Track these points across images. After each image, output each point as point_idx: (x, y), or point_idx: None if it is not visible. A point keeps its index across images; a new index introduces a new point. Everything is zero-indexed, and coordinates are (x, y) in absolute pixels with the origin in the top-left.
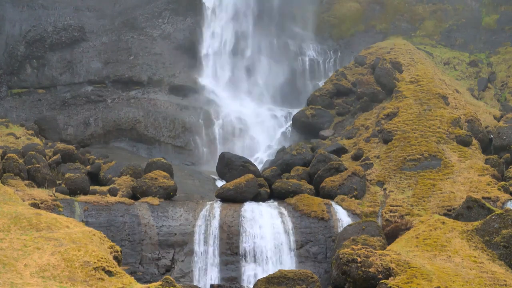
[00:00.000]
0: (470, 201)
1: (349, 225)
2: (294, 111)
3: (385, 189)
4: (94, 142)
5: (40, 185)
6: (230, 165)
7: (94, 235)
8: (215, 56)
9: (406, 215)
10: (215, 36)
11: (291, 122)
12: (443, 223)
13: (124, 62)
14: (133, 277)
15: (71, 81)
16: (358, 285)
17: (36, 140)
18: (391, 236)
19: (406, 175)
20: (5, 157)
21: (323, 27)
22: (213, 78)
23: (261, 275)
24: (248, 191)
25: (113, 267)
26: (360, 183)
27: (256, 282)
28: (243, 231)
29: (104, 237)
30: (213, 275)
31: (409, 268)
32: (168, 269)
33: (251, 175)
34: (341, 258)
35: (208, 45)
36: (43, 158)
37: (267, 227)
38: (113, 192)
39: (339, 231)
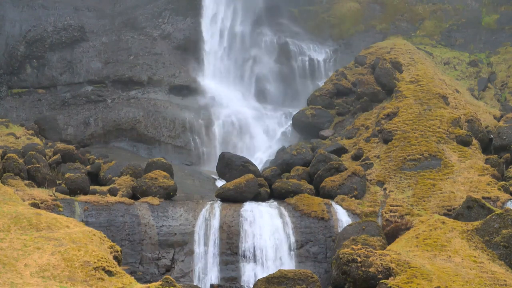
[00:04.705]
0: (470, 201)
1: (349, 225)
2: (294, 111)
3: (385, 189)
4: (94, 142)
5: (40, 185)
6: (230, 165)
7: (94, 235)
8: (215, 56)
9: (406, 215)
10: (215, 36)
11: (291, 122)
12: (443, 223)
13: (124, 62)
14: (133, 277)
15: (71, 81)
16: (358, 285)
17: (36, 140)
18: (391, 236)
19: (406, 175)
20: (5, 157)
21: (323, 27)
22: (213, 78)
23: (261, 275)
24: (248, 191)
25: (113, 267)
26: (360, 183)
27: (256, 282)
28: (243, 231)
29: (104, 237)
30: (213, 275)
31: (409, 268)
32: (168, 269)
33: (251, 175)
34: (341, 258)
35: (208, 45)
36: (43, 158)
37: (267, 227)
38: (113, 192)
39: (339, 231)
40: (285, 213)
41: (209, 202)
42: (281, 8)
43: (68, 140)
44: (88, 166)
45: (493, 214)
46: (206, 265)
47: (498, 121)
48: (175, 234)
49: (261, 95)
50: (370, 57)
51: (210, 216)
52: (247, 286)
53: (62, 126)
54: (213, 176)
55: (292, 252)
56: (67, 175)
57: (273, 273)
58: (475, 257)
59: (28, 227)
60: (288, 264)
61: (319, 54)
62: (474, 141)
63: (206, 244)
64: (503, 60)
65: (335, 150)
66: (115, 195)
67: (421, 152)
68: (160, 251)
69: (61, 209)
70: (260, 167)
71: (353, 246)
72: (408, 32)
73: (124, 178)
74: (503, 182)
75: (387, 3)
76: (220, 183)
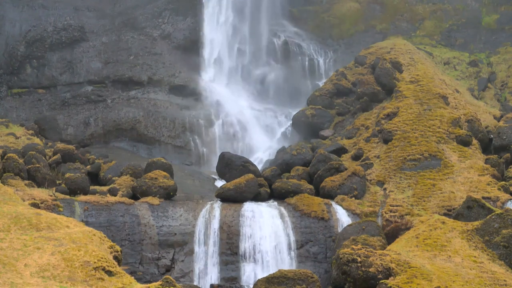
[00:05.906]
0: (470, 201)
1: (349, 225)
2: (294, 111)
3: (385, 189)
4: (94, 142)
5: (40, 185)
6: (230, 165)
7: (94, 235)
8: (215, 56)
9: (406, 215)
10: (214, 36)
11: (291, 122)
12: (443, 223)
13: (124, 62)
14: (133, 277)
15: (71, 81)
16: (358, 285)
17: (36, 140)
18: (391, 236)
19: (406, 175)
20: (5, 157)
21: (323, 27)
22: (213, 78)
23: (261, 275)
24: (248, 191)
25: (113, 267)
26: (360, 183)
27: (256, 282)
28: (243, 231)
29: (104, 237)
30: (213, 275)
31: (409, 268)
32: (168, 269)
33: (251, 175)
34: (341, 258)
35: (208, 45)
36: (43, 158)
37: (267, 227)
38: (113, 192)
39: (339, 231)
40: (285, 213)
41: (209, 202)
42: (281, 8)
43: (68, 140)
44: (88, 166)
45: (493, 214)
46: (206, 265)
47: (498, 121)
48: (175, 234)
49: (261, 95)
50: (370, 57)
51: (210, 216)
52: (247, 286)
53: (62, 126)
54: (213, 176)
55: (292, 252)
56: (67, 175)
57: (273, 273)
58: (475, 257)
59: (28, 227)
60: (288, 264)
61: (319, 54)
62: (474, 141)
63: (206, 244)
64: (503, 60)
65: (335, 150)
66: (115, 195)
67: (421, 152)
68: (160, 251)
69: (61, 209)
70: (260, 167)
71: (353, 246)
72: (408, 32)
73: (124, 178)
74: (503, 182)
75: (387, 3)
76: (220, 183)
